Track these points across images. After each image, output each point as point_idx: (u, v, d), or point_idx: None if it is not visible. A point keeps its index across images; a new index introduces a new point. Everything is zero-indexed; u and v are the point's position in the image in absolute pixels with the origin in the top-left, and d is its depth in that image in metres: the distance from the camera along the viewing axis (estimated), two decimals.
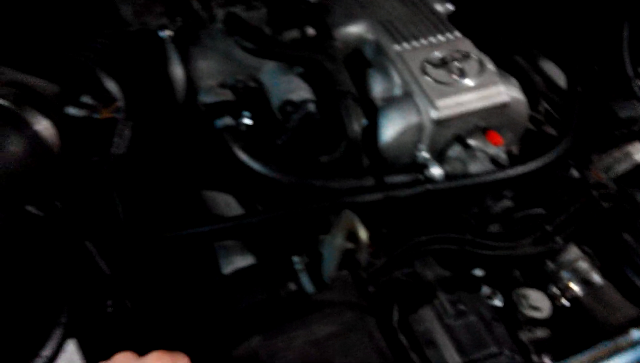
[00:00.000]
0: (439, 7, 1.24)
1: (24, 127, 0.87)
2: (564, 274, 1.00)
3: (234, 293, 0.95)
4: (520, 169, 1.04)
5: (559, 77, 1.38)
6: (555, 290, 1.00)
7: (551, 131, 1.27)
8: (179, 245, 0.97)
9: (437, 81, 1.05)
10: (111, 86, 0.98)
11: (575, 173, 1.13)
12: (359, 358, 0.84)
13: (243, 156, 1.00)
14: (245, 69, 1.13)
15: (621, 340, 0.86)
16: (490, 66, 1.12)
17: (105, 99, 0.95)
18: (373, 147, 1.07)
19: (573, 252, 1.03)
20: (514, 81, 1.13)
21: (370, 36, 1.16)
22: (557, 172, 1.12)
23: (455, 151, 1.06)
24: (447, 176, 1.03)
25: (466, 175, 1.02)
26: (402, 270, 0.96)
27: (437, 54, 1.09)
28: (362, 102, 1.08)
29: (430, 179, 1.01)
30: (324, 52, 1.09)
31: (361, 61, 1.17)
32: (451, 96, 1.03)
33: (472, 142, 1.07)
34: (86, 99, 0.97)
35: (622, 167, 1.19)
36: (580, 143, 1.15)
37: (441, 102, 1.03)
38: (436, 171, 1.02)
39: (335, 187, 0.98)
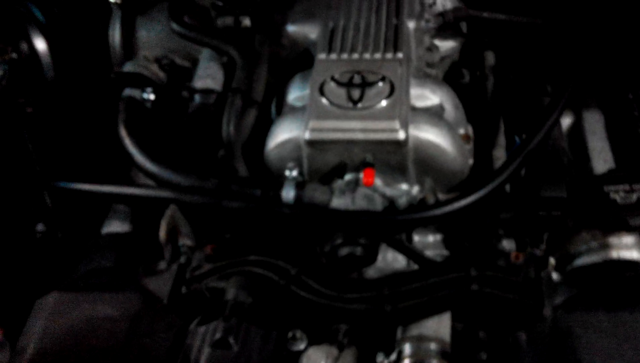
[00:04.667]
0: (411, 24, 1.11)
1: None
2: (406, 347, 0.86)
3: None
4: (378, 216, 0.90)
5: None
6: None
7: None
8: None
9: (330, 101, 0.95)
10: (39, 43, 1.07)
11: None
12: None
13: (120, 129, 1.02)
14: (186, 47, 1.14)
15: None
16: (418, 102, 0.98)
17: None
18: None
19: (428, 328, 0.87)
20: (442, 123, 0.97)
21: (313, 39, 1.08)
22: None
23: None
24: (298, 203, 0.93)
25: (317, 207, 0.92)
26: (208, 281, 0.91)
27: (347, 72, 0.98)
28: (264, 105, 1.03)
29: (276, 199, 0.93)
30: (242, 45, 1.05)
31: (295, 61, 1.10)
32: (330, 120, 0.93)
33: (347, 176, 0.96)
34: None
35: (586, 259, 0.95)
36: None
37: (316, 124, 0.93)
38: (287, 193, 0.94)
39: (177, 181, 0.96)
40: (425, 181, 0.98)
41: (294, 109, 1.00)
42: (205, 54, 1.12)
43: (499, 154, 1.10)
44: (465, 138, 1.04)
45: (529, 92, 1.19)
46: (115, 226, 1.06)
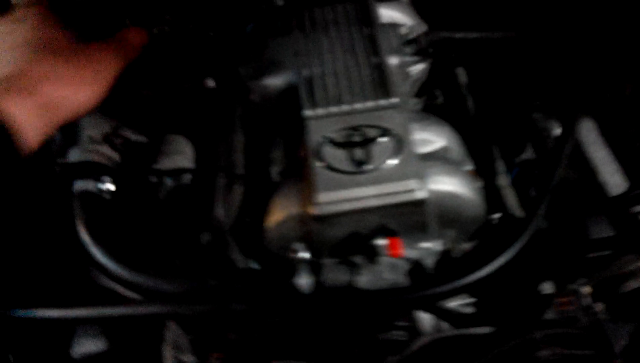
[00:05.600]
0: (394, 60, 0.99)
1: None
2: None
3: None
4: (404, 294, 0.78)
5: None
6: None
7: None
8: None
9: (331, 167, 0.82)
10: None
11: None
12: None
13: (81, 233, 0.85)
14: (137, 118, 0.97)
15: None
16: (424, 149, 0.87)
17: None
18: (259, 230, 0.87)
19: None
20: (453, 169, 0.87)
21: (284, 90, 0.95)
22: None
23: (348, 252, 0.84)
24: (319, 289, 0.80)
25: (337, 293, 0.79)
26: None
27: (343, 130, 0.86)
28: (251, 178, 0.88)
29: (292, 289, 0.80)
30: (209, 111, 0.90)
31: (273, 122, 0.96)
32: (339, 189, 0.80)
33: (377, 242, 0.83)
34: None
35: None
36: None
37: (323, 196, 0.80)
38: (303, 280, 0.80)
39: (166, 289, 0.80)
40: (447, 233, 0.88)
41: (290, 180, 0.86)
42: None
43: (504, 183, 1.01)
44: (474, 174, 0.95)
45: (517, 110, 1.12)
46: (88, 345, 0.89)
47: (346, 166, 0.82)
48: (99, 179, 0.89)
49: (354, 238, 0.83)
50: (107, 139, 0.94)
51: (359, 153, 0.83)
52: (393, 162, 0.82)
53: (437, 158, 0.88)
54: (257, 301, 0.78)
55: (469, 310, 0.87)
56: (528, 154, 1.07)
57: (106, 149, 0.93)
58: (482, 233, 0.91)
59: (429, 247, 0.87)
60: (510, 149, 1.06)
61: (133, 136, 0.94)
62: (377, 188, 0.80)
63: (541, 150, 1.05)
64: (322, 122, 0.87)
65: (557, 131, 1.13)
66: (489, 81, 1.18)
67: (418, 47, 1.06)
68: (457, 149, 0.94)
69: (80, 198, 0.87)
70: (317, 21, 1.05)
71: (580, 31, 1.11)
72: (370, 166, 0.82)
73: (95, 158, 0.91)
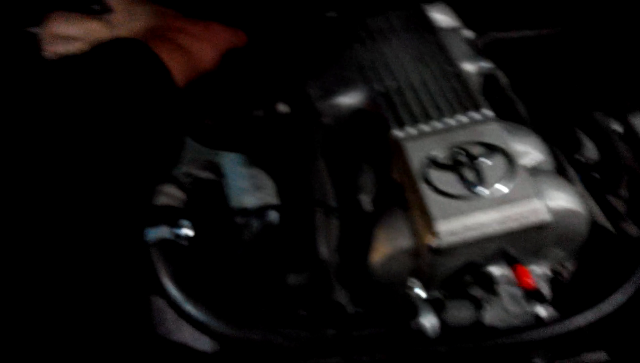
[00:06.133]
0: (469, 67, 0.93)
1: None
2: None
3: None
4: (557, 329, 0.72)
5: None
6: None
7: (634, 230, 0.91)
8: None
9: (440, 191, 0.75)
10: None
11: None
12: None
13: (171, 290, 0.75)
14: (202, 153, 0.88)
15: None
16: (526, 162, 0.81)
17: None
18: (361, 266, 0.79)
19: None
20: (563, 182, 0.81)
21: (357, 107, 0.88)
22: None
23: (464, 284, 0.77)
24: (447, 330, 0.73)
25: (472, 333, 0.72)
26: None
27: (447, 149, 0.79)
28: (344, 208, 0.80)
29: (419, 333, 0.72)
30: (293, 140, 0.82)
31: (355, 144, 0.88)
32: (458, 217, 0.73)
33: (494, 270, 0.77)
34: None
35: None
36: None
37: (443, 226, 0.73)
38: (429, 321, 0.73)
39: (279, 343, 0.71)
40: (556, 254, 0.82)
41: (392, 209, 0.78)
42: (232, 157, 0.87)
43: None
44: None
45: (576, 111, 1.07)
46: None
47: (459, 189, 0.75)
48: (175, 225, 0.80)
49: (469, 268, 0.77)
50: (173, 179, 0.84)
51: (469, 174, 0.76)
52: (508, 182, 0.76)
53: (542, 172, 0.82)
54: (385, 350, 0.70)
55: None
56: (592, 156, 1.01)
57: (173, 190, 0.84)
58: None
59: (541, 271, 0.81)
60: (572, 152, 1.01)
61: (202, 173, 0.85)
62: (499, 212, 0.74)
63: (607, 151, 1.00)
64: (418, 142, 0.80)
65: (619, 128, 1.09)
66: (538, 81, 1.13)
67: (475, 50, 1.00)
68: (549, 159, 0.88)
69: (159, 249, 0.78)
70: (373, 31, 0.98)
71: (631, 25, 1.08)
72: (484, 189, 0.75)
73: (164, 200, 0.82)
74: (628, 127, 1.06)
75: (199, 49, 0.76)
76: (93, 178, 0.61)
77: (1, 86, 0.61)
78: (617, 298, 0.72)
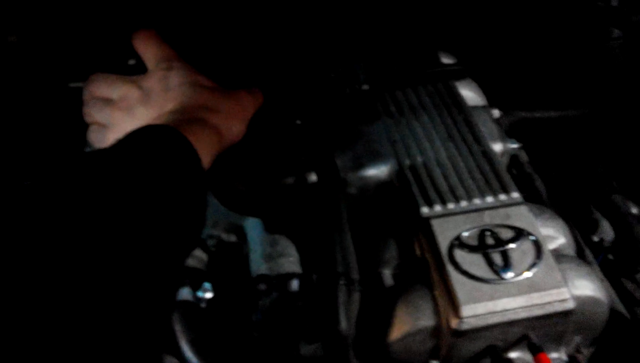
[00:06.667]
0: (497, 146, 0.94)
1: None
2: None
3: None
4: None
5: None
6: None
7: None
8: None
9: (466, 273, 0.75)
10: None
11: None
12: None
13: (189, 355, 0.74)
14: (227, 216, 0.88)
15: None
16: (552, 248, 0.81)
17: None
18: (379, 340, 0.78)
19: None
20: (585, 268, 0.81)
21: (384, 180, 0.88)
22: None
23: None
24: None
25: None
26: None
27: (474, 230, 0.79)
28: (365, 281, 0.80)
29: None
30: (320, 209, 0.82)
31: (379, 217, 0.89)
32: (484, 300, 0.73)
33: (514, 356, 0.76)
34: None
35: None
36: None
37: (468, 309, 0.72)
38: None
39: None
40: (574, 339, 0.81)
41: (415, 287, 0.78)
42: (257, 222, 0.87)
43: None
44: None
45: (595, 192, 1.07)
46: None
47: (486, 273, 0.75)
48: (198, 287, 0.79)
49: (490, 351, 0.75)
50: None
51: (497, 257, 0.76)
52: (534, 267, 0.75)
53: (565, 257, 0.82)
54: None
55: None
56: (608, 237, 1.01)
57: (197, 251, 0.84)
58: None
59: (557, 356, 0.80)
60: (588, 233, 1.00)
61: (226, 236, 0.85)
62: (525, 298, 0.73)
63: (624, 234, 1.00)
64: (446, 221, 0.80)
65: (637, 212, 1.09)
66: (560, 161, 1.14)
67: (501, 129, 1.01)
68: (571, 242, 0.88)
69: (180, 311, 0.77)
70: (403, 105, 0.99)
71: None
72: (512, 274, 0.75)
73: (188, 262, 0.82)
74: None
75: (229, 127, 0.76)
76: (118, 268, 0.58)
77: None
78: None
